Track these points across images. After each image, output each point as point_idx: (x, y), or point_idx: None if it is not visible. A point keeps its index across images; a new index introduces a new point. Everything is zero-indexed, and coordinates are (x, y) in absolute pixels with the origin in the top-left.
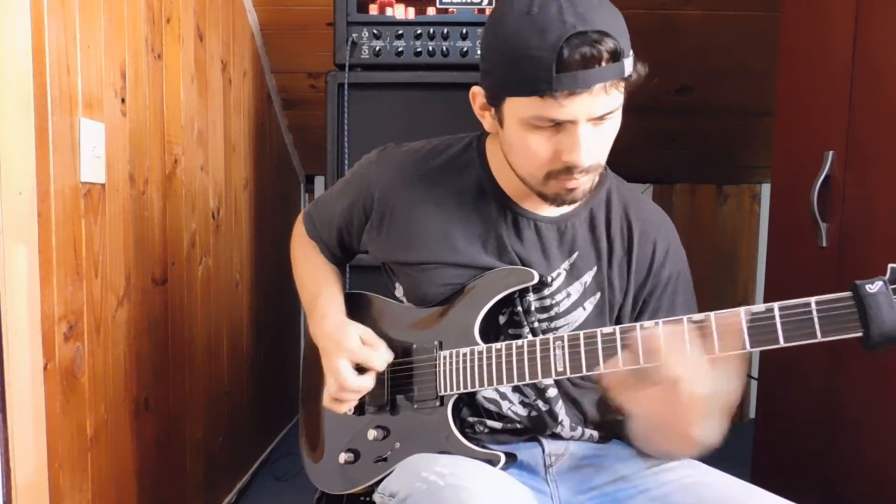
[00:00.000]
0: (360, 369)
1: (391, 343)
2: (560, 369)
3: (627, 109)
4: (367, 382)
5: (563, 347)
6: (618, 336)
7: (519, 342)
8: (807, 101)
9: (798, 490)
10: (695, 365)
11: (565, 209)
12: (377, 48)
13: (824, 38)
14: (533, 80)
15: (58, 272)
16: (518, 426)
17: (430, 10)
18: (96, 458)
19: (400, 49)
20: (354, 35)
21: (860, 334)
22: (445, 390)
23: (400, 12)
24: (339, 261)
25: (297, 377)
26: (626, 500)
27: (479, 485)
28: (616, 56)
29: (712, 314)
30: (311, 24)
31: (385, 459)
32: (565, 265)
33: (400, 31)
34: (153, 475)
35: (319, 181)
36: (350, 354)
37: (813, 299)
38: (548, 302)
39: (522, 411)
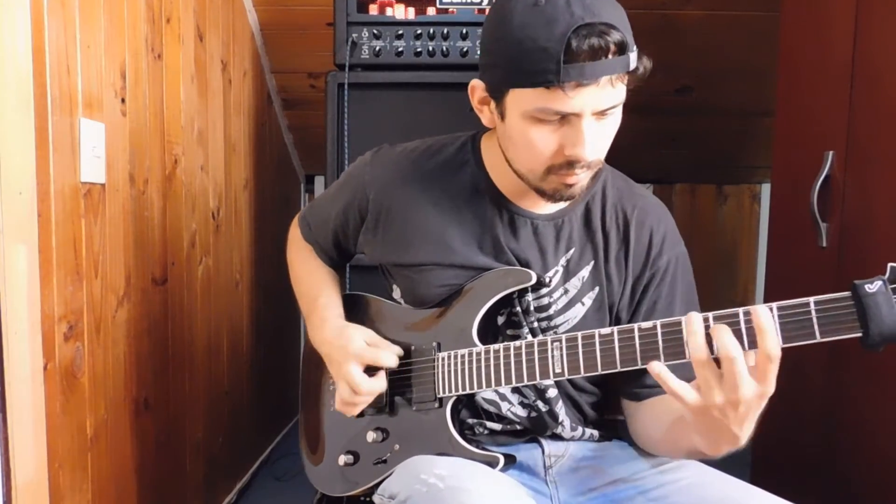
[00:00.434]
0: (368, 370)
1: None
2: (558, 370)
3: (628, 109)
4: (380, 384)
5: (560, 349)
6: (615, 337)
7: (517, 343)
8: (807, 101)
9: (798, 490)
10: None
11: (561, 205)
12: (377, 48)
13: (824, 38)
14: (540, 71)
15: (58, 272)
16: (518, 427)
17: (430, 10)
18: (96, 458)
19: (400, 49)
20: (354, 35)
21: (859, 334)
22: (444, 392)
23: (400, 12)
24: (335, 263)
25: (297, 377)
26: (625, 500)
27: (478, 487)
28: (623, 49)
29: (710, 315)
30: (311, 24)
31: (384, 461)
32: (562, 262)
33: (400, 31)
34: (153, 475)
35: (319, 181)
36: (358, 358)
37: (812, 299)
38: (546, 300)
39: (522, 412)
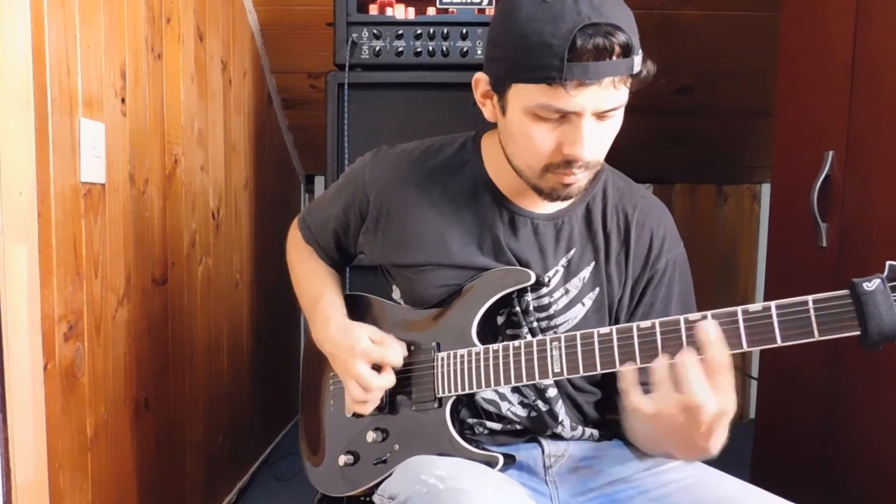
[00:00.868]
0: (376, 367)
1: None
2: (557, 370)
3: (628, 109)
4: (389, 379)
5: (559, 348)
6: (615, 337)
7: (516, 343)
8: (807, 101)
9: (798, 490)
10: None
11: (561, 205)
12: (377, 48)
13: (824, 38)
14: (543, 67)
15: (58, 272)
16: (517, 427)
17: (430, 10)
18: (96, 458)
19: (400, 49)
20: (354, 35)
21: (858, 332)
22: (443, 392)
23: (400, 12)
24: (336, 264)
25: (297, 377)
26: (625, 500)
27: (478, 488)
28: (627, 51)
29: (709, 314)
30: (311, 24)
31: (384, 461)
32: (562, 262)
33: (400, 31)
34: (153, 475)
35: (319, 181)
36: (365, 356)
37: (810, 297)
38: (546, 300)
39: (522, 412)
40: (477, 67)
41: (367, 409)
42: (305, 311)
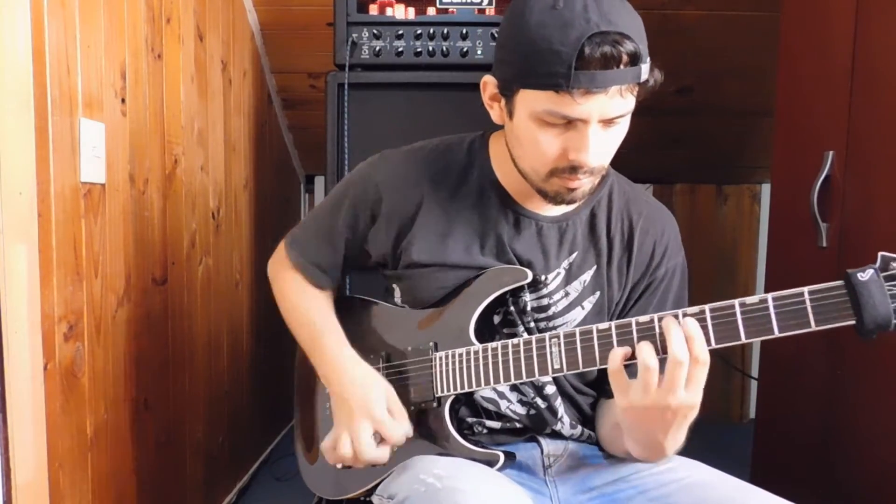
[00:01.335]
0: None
1: (387, 346)
2: (557, 366)
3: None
4: (383, 456)
5: (559, 345)
6: (614, 332)
7: (515, 341)
8: (807, 101)
9: (798, 490)
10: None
11: (567, 209)
12: (377, 48)
13: (824, 38)
14: (551, 74)
15: (58, 272)
16: (517, 425)
17: (430, 10)
18: (96, 458)
19: (400, 49)
20: (354, 35)
21: (853, 322)
22: (442, 391)
23: (400, 12)
24: (334, 282)
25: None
26: (625, 500)
27: (477, 488)
28: (635, 60)
29: (707, 307)
30: (311, 24)
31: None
32: (564, 264)
33: (400, 31)
34: (153, 475)
35: (319, 181)
36: (377, 424)
37: (806, 289)
38: (545, 301)
39: (521, 410)
40: (477, 67)
41: (338, 465)
42: (304, 343)
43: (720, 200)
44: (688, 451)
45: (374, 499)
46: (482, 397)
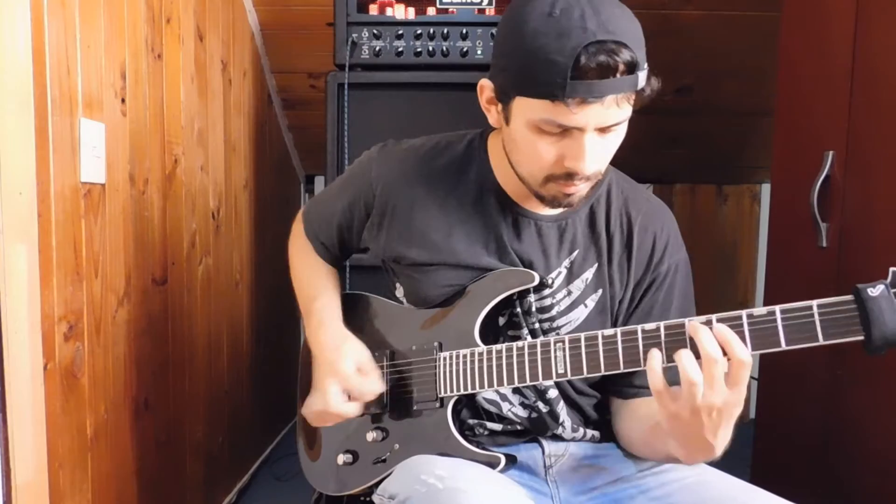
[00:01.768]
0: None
1: (390, 344)
2: (560, 371)
3: None
4: (352, 409)
5: (563, 349)
6: (619, 339)
7: (520, 344)
8: (807, 101)
9: (798, 490)
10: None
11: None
12: (377, 48)
13: (824, 38)
14: (547, 83)
15: (58, 272)
16: (518, 428)
17: (430, 10)
18: (96, 458)
19: (400, 49)
20: (354, 35)
21: (861, 338)
22: (445, 392)
23: (400, 12)
24: (337, 260)
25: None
26: (626, 500)
27: (477, 488)
28: (632, 68)
29: (714, 317)
30: (311, 24)
31: (384, 461)
32: (565, 263)
33: (400, 31)
34: (153, 475)
35: (319, 181)
36: (342, 380)
37: (815, 302)
38: (548, 301)
39: (523, 413)
40: (476, 67)
41: (324, 424)
42: (302, 309)
43: (720, 200)
44: None
45: (375, 498)
46: (484, 399)
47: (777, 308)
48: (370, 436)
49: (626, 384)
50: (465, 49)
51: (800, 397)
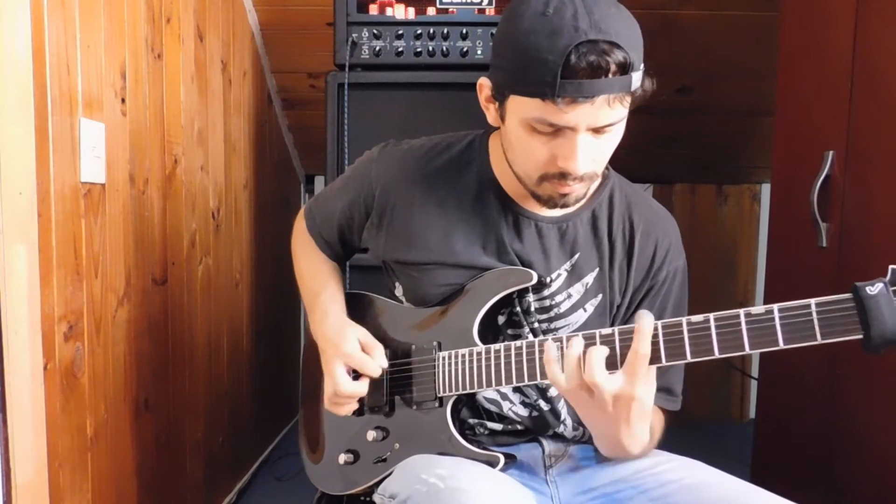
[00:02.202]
0: (357, 373)
1: (390, 343)
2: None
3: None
4: (360, 388)
5: (562, 348)
6: (616, 337)
7: (518, 343)
8: (807, 101)
9: (798, 490)
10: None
11: (566, 210)
12: (377, 48)
13: (824, 38)
14: (537, 82)
15: (58, 272)
16: (519, 427)
17: (430, 10)
18: (96, 458)
19: (400, 49)
20: (354, 35)
21: (860, 336)
22: (444, 391)
23: (400, 12)
24: (339, 257)
25: (297, 377)
26: (625, 500)
27: (478, 487)
28: (624, 69)
29: (711, 316)
30: (311, 24)
31: (385, 460)
32: (566, 266)
33: (400, 31)
34: (153, 475)
35: (319, 181)
36: (346, 358)
37: (813, 301)
38: (548, 303)
39: (523, 412)
40: (476, 67)
41: (340, 411)
42: (306, 303)
43: (720, 200)
44: (688, 451)
45: (376, 498)
46: (484, 398)
47: (775, 307)
48: (371, 435)
49: None
50: (465, 49)
51: (799, 397)
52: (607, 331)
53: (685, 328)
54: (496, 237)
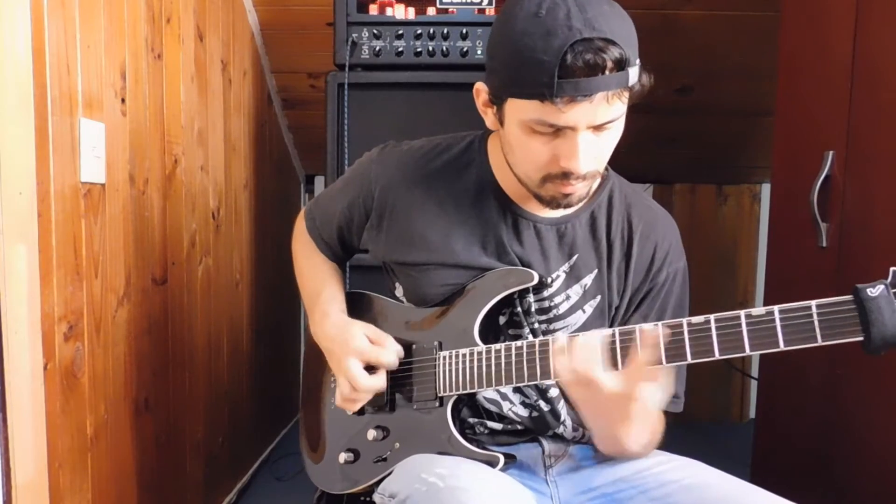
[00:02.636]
0: (370, 367)
1: None
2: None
3: (628, 109)
4: (380, 381)
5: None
6: (617, 338)
7: (518, 343)
8: (807, 101)
9: (798, 490)
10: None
11: (565, 211)
12: (377, 48)
13: (824, 38)
14: (534, 83)
15: (58, 272)
16: (519, 427)
17: (430, 10)
18: (96, 458)
19: (400, 49)
20: (354, 35)
21: (861, 338)
22: (444, 391)
23: (400, 12)
24: (339, 258)
25: (297, 377)
26: (626, 500)
27: (478, 486)
28: (621, 65)
29: (712, 317)
30: (311, 24)
31: (385, 459)
32: (565, 267)
33: (400, 31)
34: (153, 475)
35: (319, 181)
36: (359, 354)
37: (813, 303)
38: (547, 304)
39: (523, 412)
40: (477, 67)
41: (355, 408)
42: (306, 304)
43: (720, 200)
44: (688, 450)
45: (376, 497)
46: (484, 398)
47: (776, 308)
48: (371, 434)
49: None
50: (465, 49)
51: (800, 397)
52: (607, 331)
53: (685, 329)
54: (495, 238)
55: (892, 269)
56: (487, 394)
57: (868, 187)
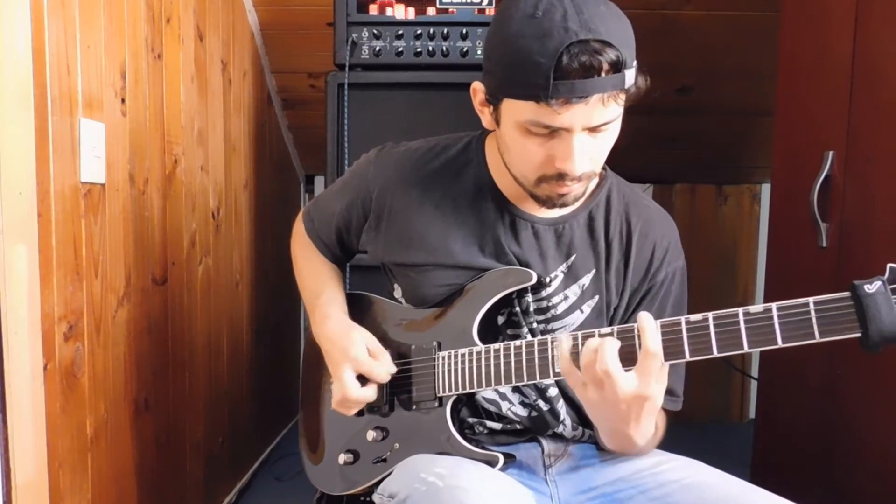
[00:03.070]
0: (363, 378)
1: (390, 343)
2: (558, 370)
3: (628, 109)
4: (370, 394)
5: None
6: (616, 337)
7: (517, 343)
8: (807, 101)
9: (798, 490)
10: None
11: (563, 211)
12: (377, 48)
13: (824, 38)
14: (530, 84)
15: (58, 272)
16: (518, 427)
17: (430, 10)
18: (96, 458)
19: (400, 49)
20: (354, 35)
21: (859, 335)
22: (444, 391)
23: (400, 12)
24: (338, 259)
25: (297, 377)
26: (625, 500)
27: (478, 486)
28: (617, 67)
29: (710, 314)
30: (311, 24)
31: (384, 460)
32: (563, 267)
33: (400, 31)
34: (153, 475)
35: (319, 181)
36: (355, 364)
37: (811, 299)
38: (545, 304)
39: (523, 412)
40: (476, 67)
41: (348, 413)
42: (306, 305)
43: (720, 200)
44: (688, 450)
45: (375, 497)
46: (483, 398)
47: (774, 305)
48: (370, 435)
49: None
50: (465, 49)
51: (799, 397)
52: (606, 330)
53: (684, 327)
54: (493, 238)
55: (889, 265)
56: (486, 394)
57: (868, 187)
